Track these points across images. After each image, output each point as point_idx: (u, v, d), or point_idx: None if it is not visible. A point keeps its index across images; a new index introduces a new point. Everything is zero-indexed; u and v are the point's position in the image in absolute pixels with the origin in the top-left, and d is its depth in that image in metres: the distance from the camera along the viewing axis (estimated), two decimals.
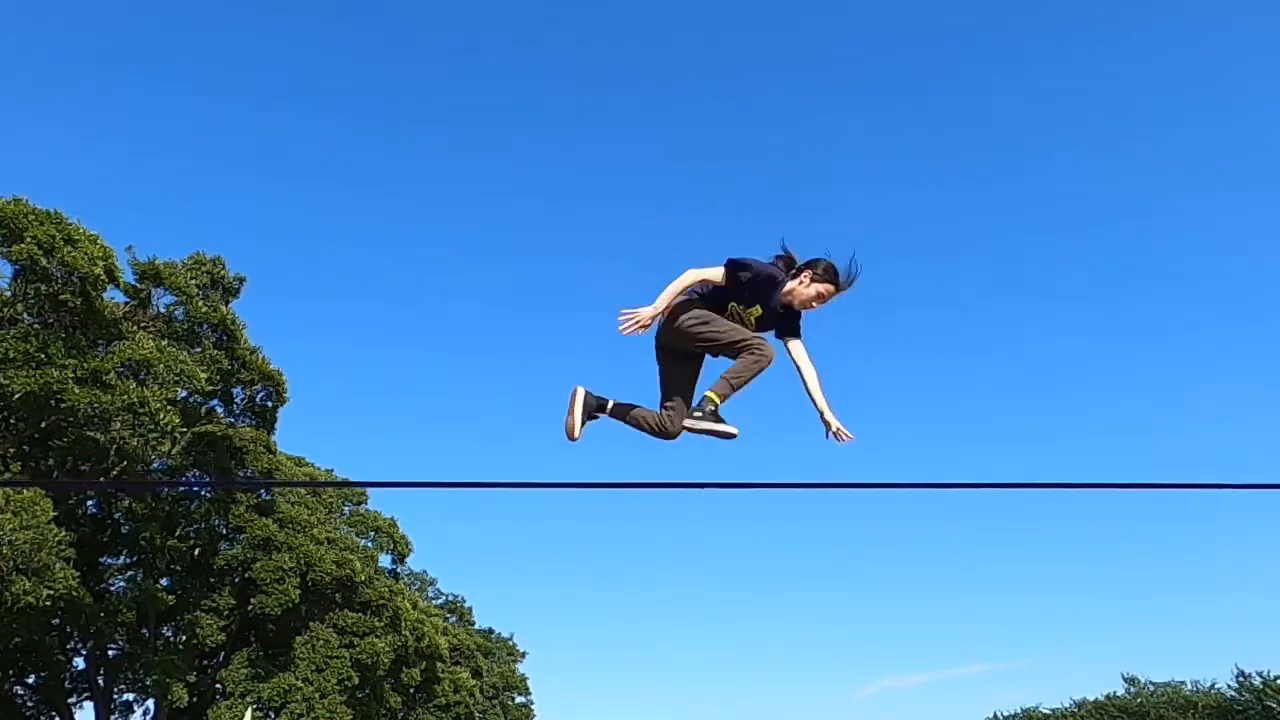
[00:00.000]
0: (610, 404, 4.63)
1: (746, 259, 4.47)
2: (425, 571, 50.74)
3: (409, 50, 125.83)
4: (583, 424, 4.53)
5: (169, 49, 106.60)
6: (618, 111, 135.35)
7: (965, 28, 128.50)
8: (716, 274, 4.46)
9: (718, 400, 4.30)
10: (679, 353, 4.65)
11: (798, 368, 4.65)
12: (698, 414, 4.29)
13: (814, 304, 4.64)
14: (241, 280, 26.90)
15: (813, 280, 4.61)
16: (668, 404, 4.61)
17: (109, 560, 26.79)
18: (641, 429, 4.64)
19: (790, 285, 4.61)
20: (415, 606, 34.22)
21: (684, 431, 4.43)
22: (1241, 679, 36.49)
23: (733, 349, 4.40)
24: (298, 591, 25.74)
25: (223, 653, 28.57)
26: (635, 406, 4.66)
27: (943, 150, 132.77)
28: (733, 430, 4.29)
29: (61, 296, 19.53)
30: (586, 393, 4.58)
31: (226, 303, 26.31)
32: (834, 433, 4.51)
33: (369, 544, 32.48)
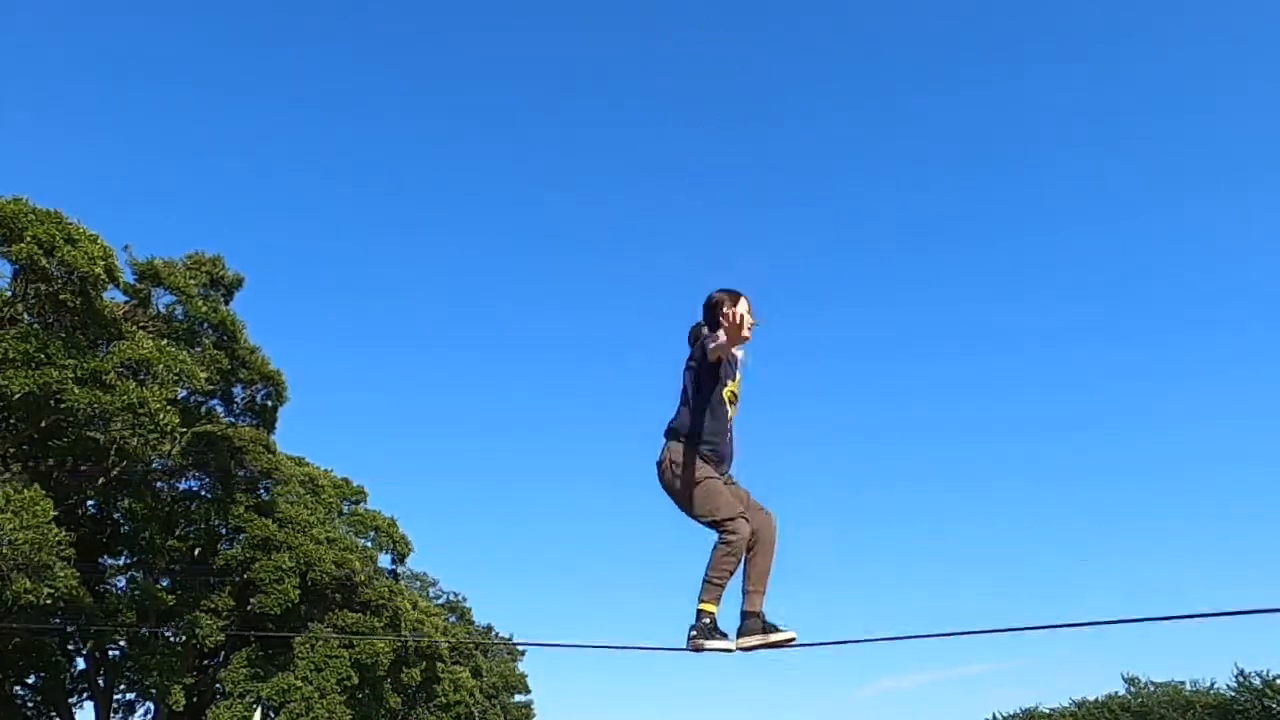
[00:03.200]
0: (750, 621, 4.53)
1: (710, 337, 4.53)
2: (426, 573, 50.72)
3: (409, 50, 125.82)
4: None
5: (168, 50, 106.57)
6: (621, 111, 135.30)
7: (966, 27, 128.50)
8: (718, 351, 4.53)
9: (713, 610, 4.39)
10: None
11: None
12: (694, 634, 4.37)
13: (752, 321, 4.68)
14: (240, 279, 26.87)
15: (734, 307, 4.52)
16: (727, 526, 4.50)
17: (109, 560, 26.78)
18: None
19: (724, 331, 4.54)
20: (415, 606, 34.20)
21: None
22: (1241, 679, 36.51)
23: (713, 527, 4.47)
24: (297, 591, 25.71)
25: (222, 652, 28.56)
26: (746, 573, 4.58)
27: (943, 150, 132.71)
28: (789, 636, 4.39)
29: (61, 296, 19.49)
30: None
31: (226, 302, 26.27)
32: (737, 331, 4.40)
33: (368, 544, 32.45)
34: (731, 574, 4.42)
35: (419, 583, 48.93)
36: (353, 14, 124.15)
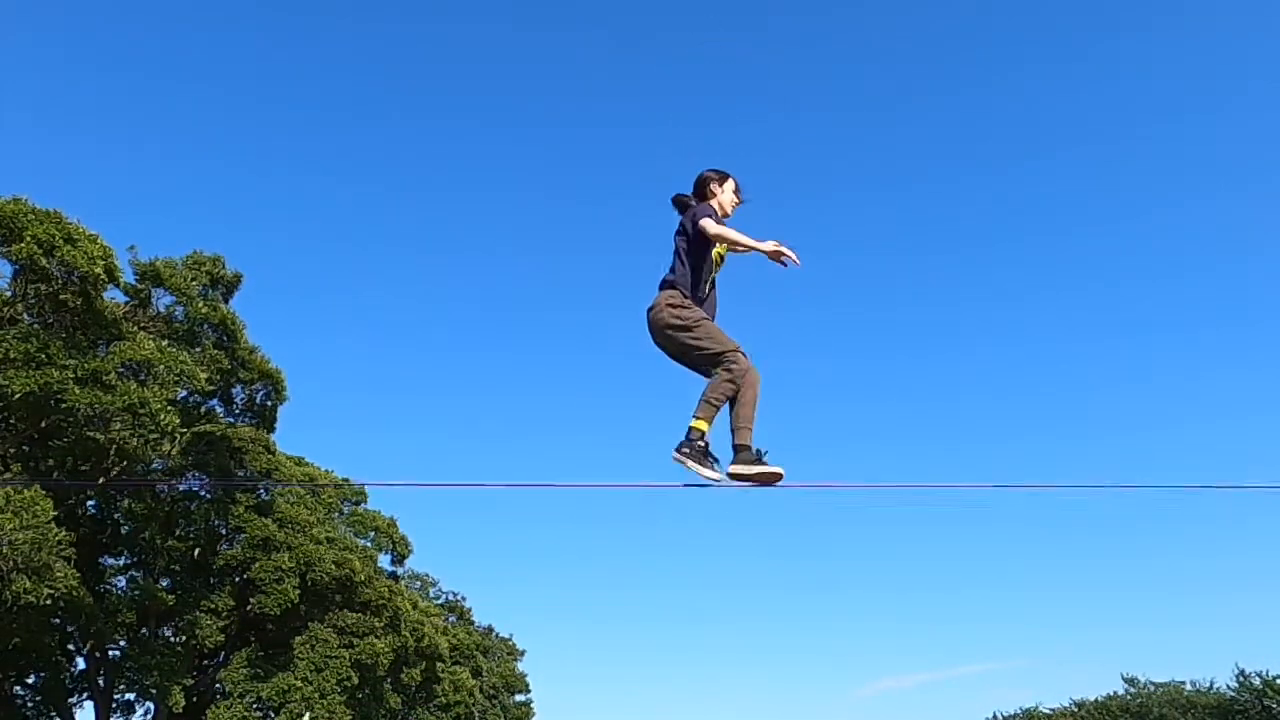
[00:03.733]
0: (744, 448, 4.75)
1: (701, 209, 4.98)
2: (428, 574, 50.63)
3: (409, 50, 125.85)
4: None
5: (168, 50, 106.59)
6: (619, 112, 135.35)
7: (966, 27, 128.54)
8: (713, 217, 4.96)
9: (705, 428, 4.65)
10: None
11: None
12: (686, 451, 4.61)
13: (737, 200, 5.23)
14: (239, 277, 26.86)
15: (721, 186, 5.17)
16: (728, 357, 4.76)
17: (109, 560, 26.75)
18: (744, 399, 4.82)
19: (717, 206, 5.12)
20: (415, 606, 34.17)
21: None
22: (1241, 679, 36.49)
23: (711, 363, 4.75)
24: (297, 591, 25.70)
25: (222, 653, 28.54)
26: (736, 413, 4.78)
27: (944, 151, 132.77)
28: (778, 471, 4.57)
29: (61, 296, 19.50)
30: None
31: (225, 301, 26.27)
32: (778, 255, 4.71)
33: (368, 544, 32.43)
34: (727, 399, 4.69)
35: (419, 583, 48.87)
36: (353, 14, 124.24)
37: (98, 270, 19.55)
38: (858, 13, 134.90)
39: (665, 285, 4.95)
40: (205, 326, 24.96)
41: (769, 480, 4.58)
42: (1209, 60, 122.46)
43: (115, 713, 26.93)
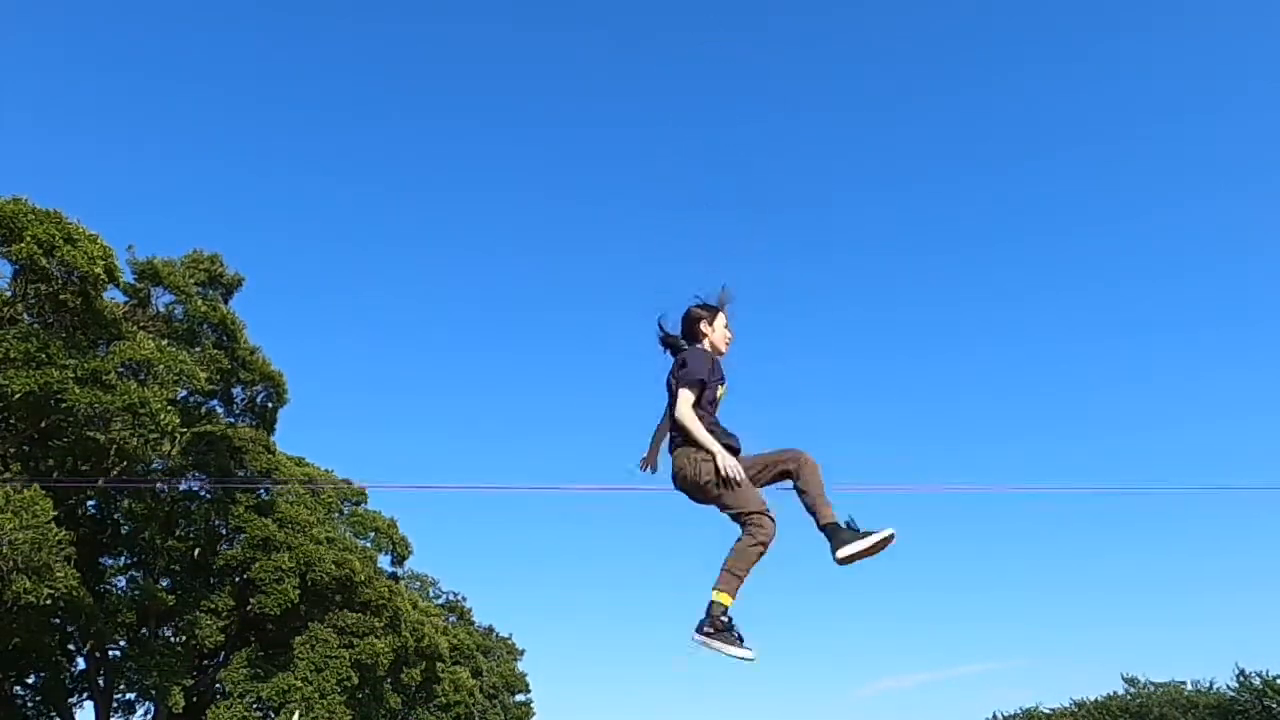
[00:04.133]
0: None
1: (691, 367, 4.56)
2: (428, 574, 50.69)
3: (409, 50, 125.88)
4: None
5: (168, 49, 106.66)
6: (619, 112, 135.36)
7: (966, 27, 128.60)
8: (693, 394, 4.51)
9: (728, 602, 4.19)
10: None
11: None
12: (709, 631, 4.14)
13: (729, 336, 4.84)
14: (240, 279, 26.87)
15: (711, 324, 4.78)
16: (754, 519, 4.37)
17: (109, 560, 26.77)
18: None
19: (709, 346, 4.74)
20: (415, 606, 34.19)
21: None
22: (1242, 679, 36.49)
23: (736, 520, 4.36)
24: (297, 591, 25.71)
25: (222, 653, 28.55)
26: (810, 497, 4.46)
27: (944, 151, 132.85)
28: (889, 534, 4.17)
29: (61, 296, 19.51)
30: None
31: (225, 301, 26.28)
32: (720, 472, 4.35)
33: (368, 544, 32.44)
34: (753, 566, 4.25)
35: (419, 583, 48.91)
36: (353, 14, 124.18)
37: (97, 270, 19.57)
38: (858, 13, 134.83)
39: (680, 444, 4.57)
40: (205, 326, 24.98)
41: (884, 546, 4.19)
42: (1209, 60, 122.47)
43: (115, 713, 26.94)
